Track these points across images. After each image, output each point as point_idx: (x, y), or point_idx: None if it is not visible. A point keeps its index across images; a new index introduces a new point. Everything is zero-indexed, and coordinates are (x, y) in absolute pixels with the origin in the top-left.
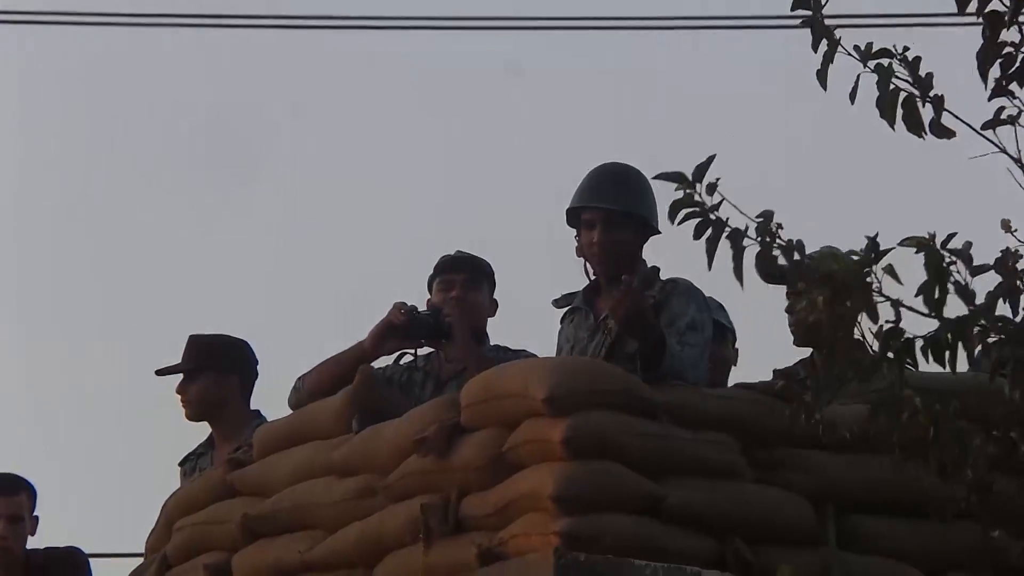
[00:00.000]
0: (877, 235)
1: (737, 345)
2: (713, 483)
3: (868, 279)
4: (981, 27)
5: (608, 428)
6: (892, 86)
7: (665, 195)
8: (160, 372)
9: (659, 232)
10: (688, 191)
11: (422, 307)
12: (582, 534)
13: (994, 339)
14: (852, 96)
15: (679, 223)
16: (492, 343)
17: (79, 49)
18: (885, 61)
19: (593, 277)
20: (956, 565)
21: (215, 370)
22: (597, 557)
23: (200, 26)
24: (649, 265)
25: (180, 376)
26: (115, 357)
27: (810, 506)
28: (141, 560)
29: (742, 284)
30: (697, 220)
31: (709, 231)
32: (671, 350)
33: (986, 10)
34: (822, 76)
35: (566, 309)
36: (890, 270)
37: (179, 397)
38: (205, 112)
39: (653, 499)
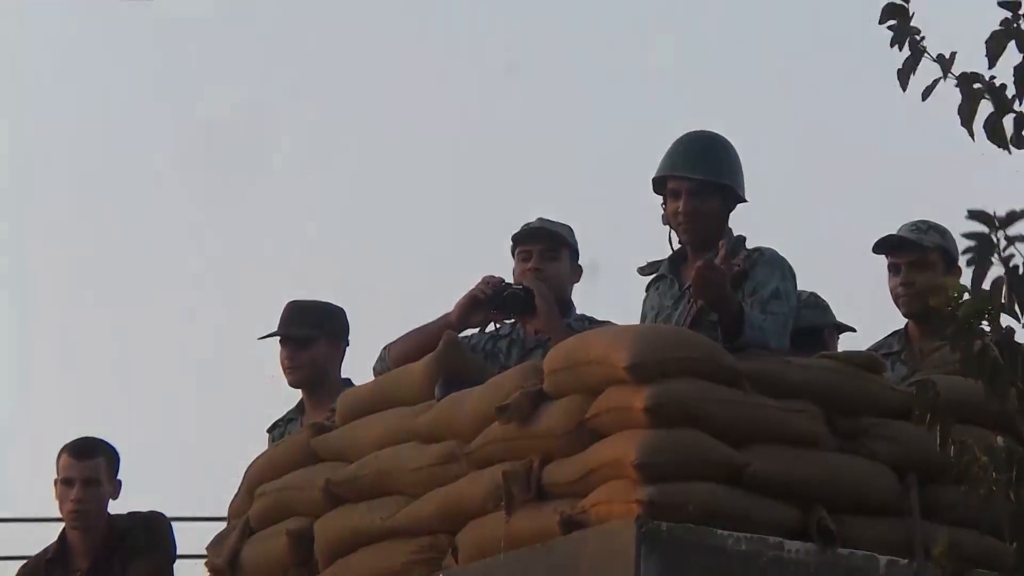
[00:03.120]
0: None
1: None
2: (796, 451)
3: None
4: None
5: (691, 396)
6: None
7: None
8: (267, 337)
9: (745, 200)
10: None
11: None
12: (665, 502)
13: None
14: (925, 95)
15: None
16: (578, 313)
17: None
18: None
19: (678, 245)
20: None
21: (328, 336)
22: (679, 526)
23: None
24: (735, 234)
25: (276, 341)
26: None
27: (894, 475)
28: (224, 525)
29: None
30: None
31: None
32: (752, 320)
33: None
34: (903, 77)
35: (651, 277)
36: None
37: (285, 363)
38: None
39: (736, 467)
